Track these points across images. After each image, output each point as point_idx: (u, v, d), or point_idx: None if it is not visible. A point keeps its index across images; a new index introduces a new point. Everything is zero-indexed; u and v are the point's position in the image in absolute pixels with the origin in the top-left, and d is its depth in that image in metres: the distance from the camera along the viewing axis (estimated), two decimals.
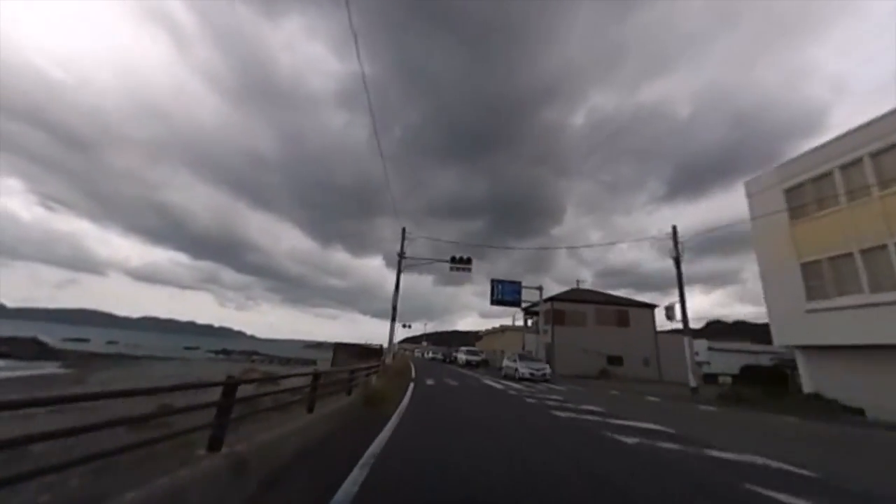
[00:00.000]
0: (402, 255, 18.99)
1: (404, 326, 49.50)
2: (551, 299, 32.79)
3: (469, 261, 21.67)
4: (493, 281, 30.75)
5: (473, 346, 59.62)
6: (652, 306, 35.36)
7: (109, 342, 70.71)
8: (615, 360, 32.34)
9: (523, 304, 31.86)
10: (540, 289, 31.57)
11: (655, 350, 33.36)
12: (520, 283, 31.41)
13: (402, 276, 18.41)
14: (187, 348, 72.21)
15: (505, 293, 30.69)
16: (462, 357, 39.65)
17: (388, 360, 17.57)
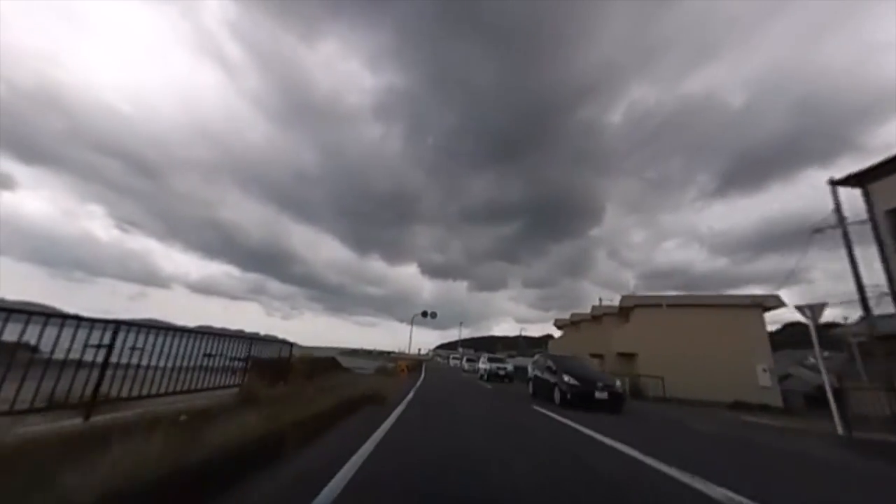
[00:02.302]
0: None
1: (425, 315, 35.44)
2: None
3: None
4: None
5: (510, 354, 39.39)
6: None
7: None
8: None
9: None
10: None
11: None
12: None
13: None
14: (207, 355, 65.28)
15: None
16: None
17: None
